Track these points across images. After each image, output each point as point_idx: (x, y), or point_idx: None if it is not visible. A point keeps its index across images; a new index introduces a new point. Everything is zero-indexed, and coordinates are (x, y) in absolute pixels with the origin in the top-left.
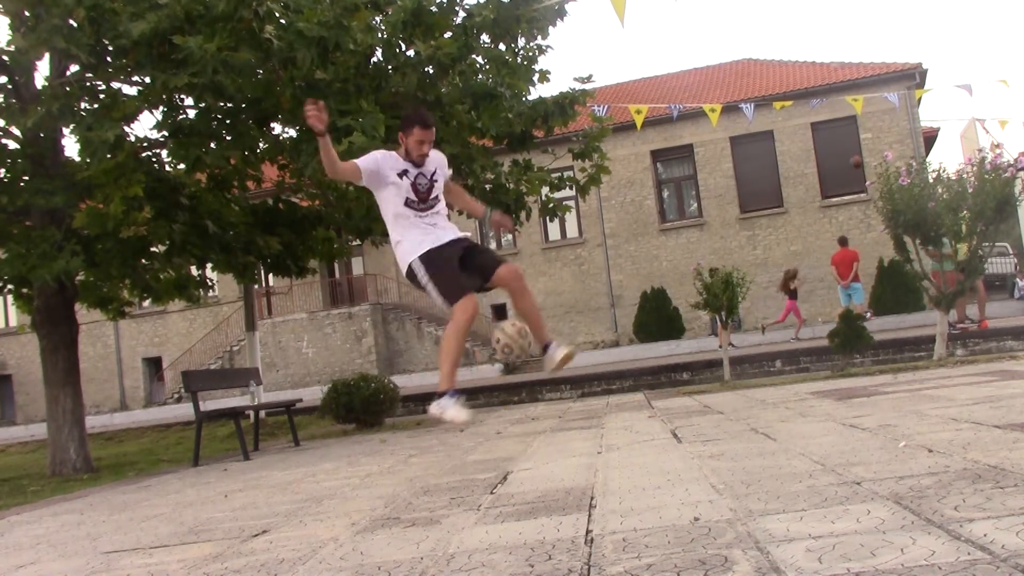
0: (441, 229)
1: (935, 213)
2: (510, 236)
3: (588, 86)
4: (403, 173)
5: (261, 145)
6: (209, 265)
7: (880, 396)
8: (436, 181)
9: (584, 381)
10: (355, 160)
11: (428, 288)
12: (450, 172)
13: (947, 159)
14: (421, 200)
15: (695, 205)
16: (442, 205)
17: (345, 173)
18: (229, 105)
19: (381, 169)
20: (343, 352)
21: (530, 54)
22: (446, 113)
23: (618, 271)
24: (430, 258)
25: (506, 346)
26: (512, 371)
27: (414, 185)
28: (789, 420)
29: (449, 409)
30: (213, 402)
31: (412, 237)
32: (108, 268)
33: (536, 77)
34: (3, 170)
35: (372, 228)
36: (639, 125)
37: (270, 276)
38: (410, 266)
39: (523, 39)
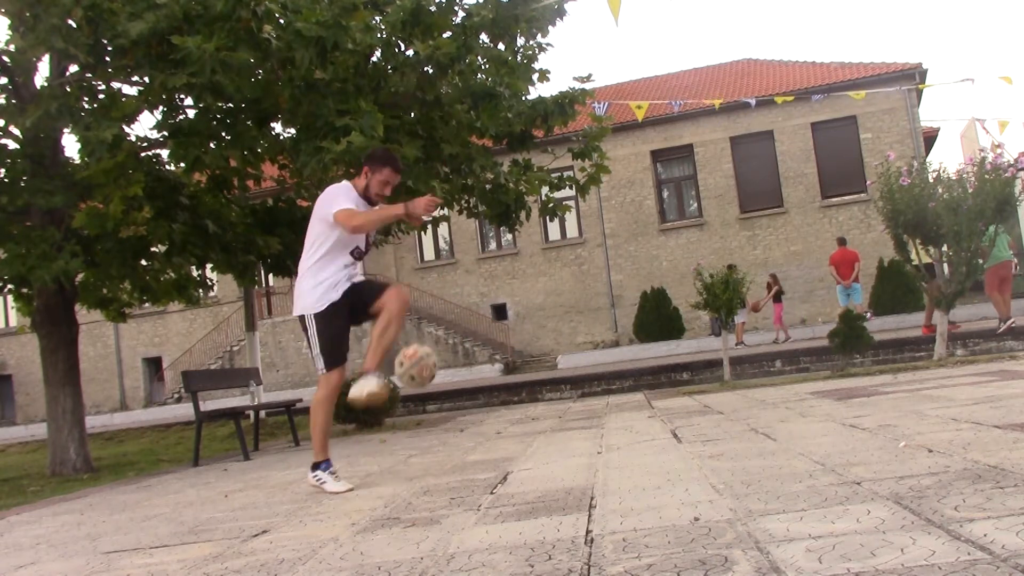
0: (353, 279)
1: (935, 213)
2: (510, 236)
3: (588, 86)
4: None
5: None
6: (209, 265)
7: (880, 396)
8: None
9: (584, 381)
10: (349, 207)
11: (312, 341)
12: None
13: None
14: (361, 256)
15: (695, 205)
16: None
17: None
18: (228, 105)
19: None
20: None
21: (529, 53)
22: (445, 113)
23: (618, 271)
24: (328, 315)
25: (405, 372)
26: (512, 371)
27: (367, 240)
28: (789, 420)
29: (328, 483)
30: (213, 402)
31: (326, 285)
32: (108, 268)
33: (535, 76)
34: (3, 170)
35: None
36: (640, 117)
37: (270, 276)
38: (303, 316)
39: (522, 38)
